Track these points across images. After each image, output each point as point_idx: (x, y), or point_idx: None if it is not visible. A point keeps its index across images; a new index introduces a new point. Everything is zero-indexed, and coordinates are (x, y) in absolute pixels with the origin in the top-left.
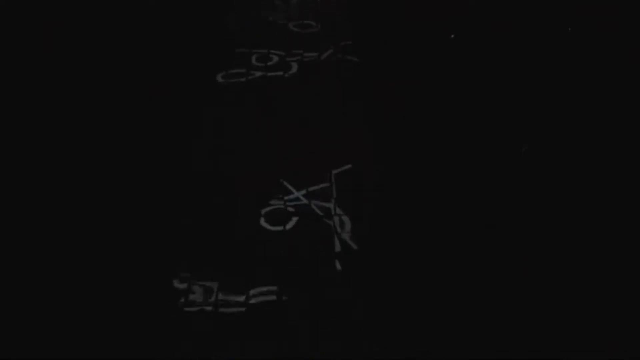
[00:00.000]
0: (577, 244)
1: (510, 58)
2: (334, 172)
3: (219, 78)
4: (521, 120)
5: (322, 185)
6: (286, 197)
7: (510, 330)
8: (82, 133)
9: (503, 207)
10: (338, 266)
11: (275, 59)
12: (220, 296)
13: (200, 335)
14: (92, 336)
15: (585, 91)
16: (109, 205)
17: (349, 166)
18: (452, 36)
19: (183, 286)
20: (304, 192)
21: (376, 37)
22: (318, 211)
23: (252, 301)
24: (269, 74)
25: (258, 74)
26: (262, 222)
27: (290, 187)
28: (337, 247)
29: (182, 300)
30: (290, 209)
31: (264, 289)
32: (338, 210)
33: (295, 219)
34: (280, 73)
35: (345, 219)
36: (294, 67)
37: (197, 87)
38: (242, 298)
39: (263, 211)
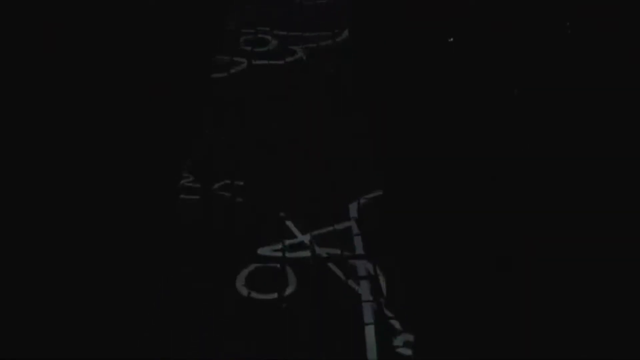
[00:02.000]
0: (578, 243)
1: (510, 58)
2: (351, 205)
3: (219, 72)
4: (521, 120)
5: (334, 227)
6: (287, 242)
7: (514, 333)
8: (82, 132)
9: (505, 207)
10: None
11: (275, 43)
12: None
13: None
14: (86, 336)
15: (585, 91)
16: (107, 205)
17: (361, 199)
18: (451, 39)
19: None
20: (309, 236)
21: (376, 38)
22: (336, 270)
23: None
24: (270, 62)
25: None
26: (243, 288)
27: (293, 229)
28: (368, 317)
29: None
30: (289, 270)
31: None
32: (368, 267)
33: (294, 281)
34: (281, 62)
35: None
36: (296, 56)
37: (197, 85)
38: None
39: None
